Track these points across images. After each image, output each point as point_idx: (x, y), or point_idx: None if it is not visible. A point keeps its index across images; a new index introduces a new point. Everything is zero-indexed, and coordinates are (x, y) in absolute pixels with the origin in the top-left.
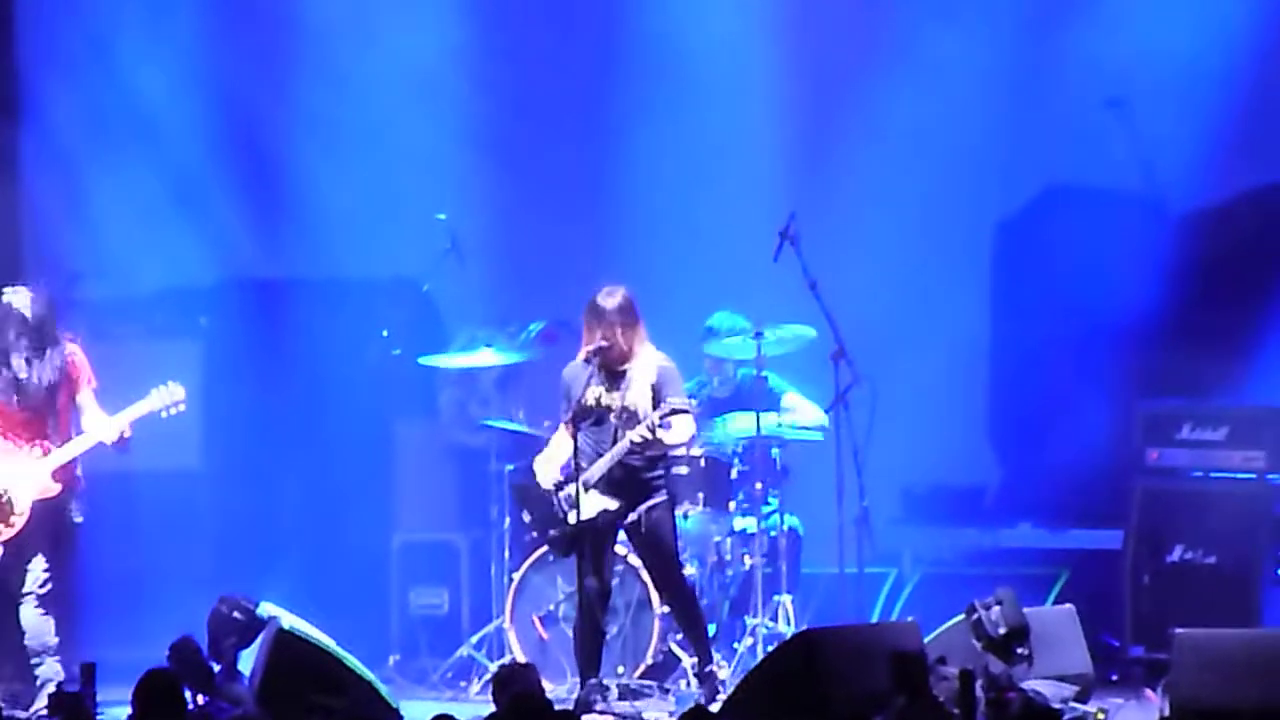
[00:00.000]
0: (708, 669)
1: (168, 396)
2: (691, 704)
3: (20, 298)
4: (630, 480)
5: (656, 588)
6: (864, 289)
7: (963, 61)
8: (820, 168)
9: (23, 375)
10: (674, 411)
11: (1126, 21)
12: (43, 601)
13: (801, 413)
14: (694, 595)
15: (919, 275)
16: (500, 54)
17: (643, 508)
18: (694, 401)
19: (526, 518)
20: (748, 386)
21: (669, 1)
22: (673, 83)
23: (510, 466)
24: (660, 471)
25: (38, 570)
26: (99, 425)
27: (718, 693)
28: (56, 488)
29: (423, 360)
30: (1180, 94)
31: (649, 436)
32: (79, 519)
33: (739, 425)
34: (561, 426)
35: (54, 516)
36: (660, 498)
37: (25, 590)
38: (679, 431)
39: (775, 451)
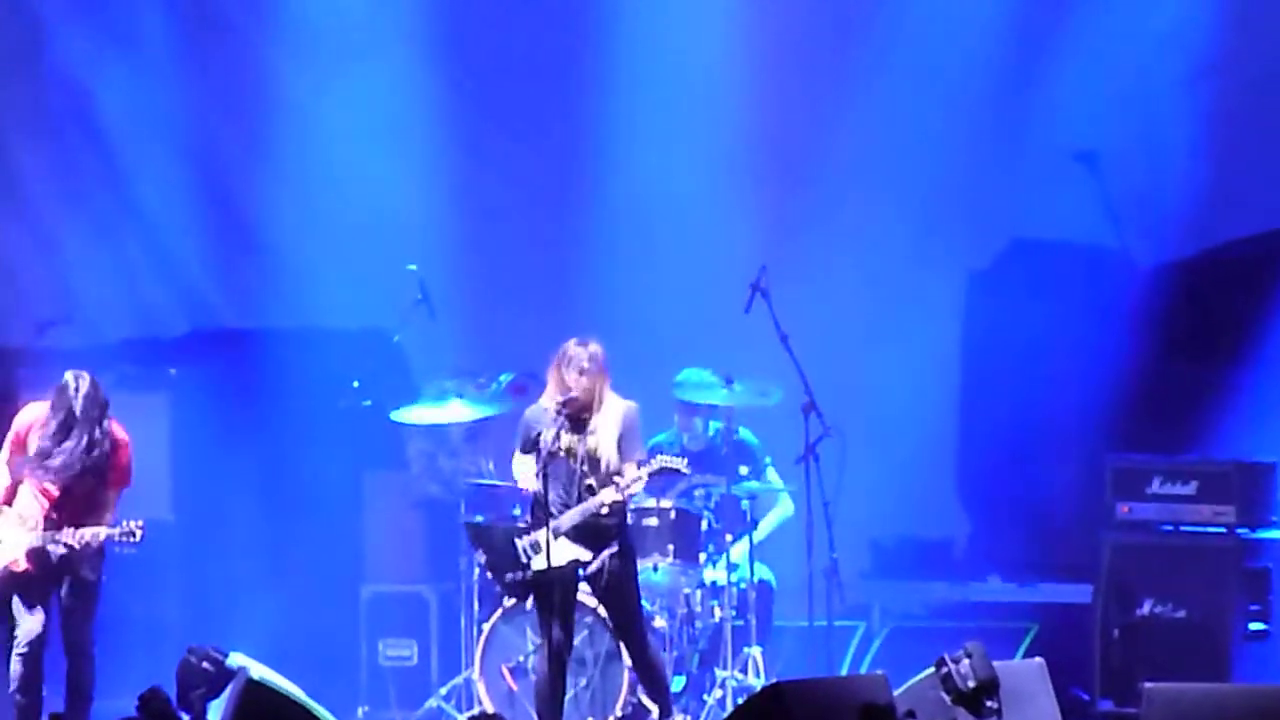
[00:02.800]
0: (665, 712)
1: (128, 529)
2: None
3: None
4: (592, 528)
5: (618, 636)
6: (834, 341)
7: (933, 113)
8: (790, 220)
9: (57, 455)
10: (664, 470)
11: (1095, 76)
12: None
13: (782, 510)
14: (655, 645)
15: (888, 328)
16: (470, 105)
17: (604, 555)
18: (683, 460)
19: (481, 559)
20: (720, 442)
21: (636, 55)
22: (642, 135)
23: (480, 518)
24: (620, 520)
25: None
26: (62, 534)
27: None
28: (23, 565)
29: (394, 416)
30: (1149, 149)
31: (622, 496)
32: (93, 577)
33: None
34: (516, 454)
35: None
36: (619, 546)
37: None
38: (638, 483)
39: (745, 504)
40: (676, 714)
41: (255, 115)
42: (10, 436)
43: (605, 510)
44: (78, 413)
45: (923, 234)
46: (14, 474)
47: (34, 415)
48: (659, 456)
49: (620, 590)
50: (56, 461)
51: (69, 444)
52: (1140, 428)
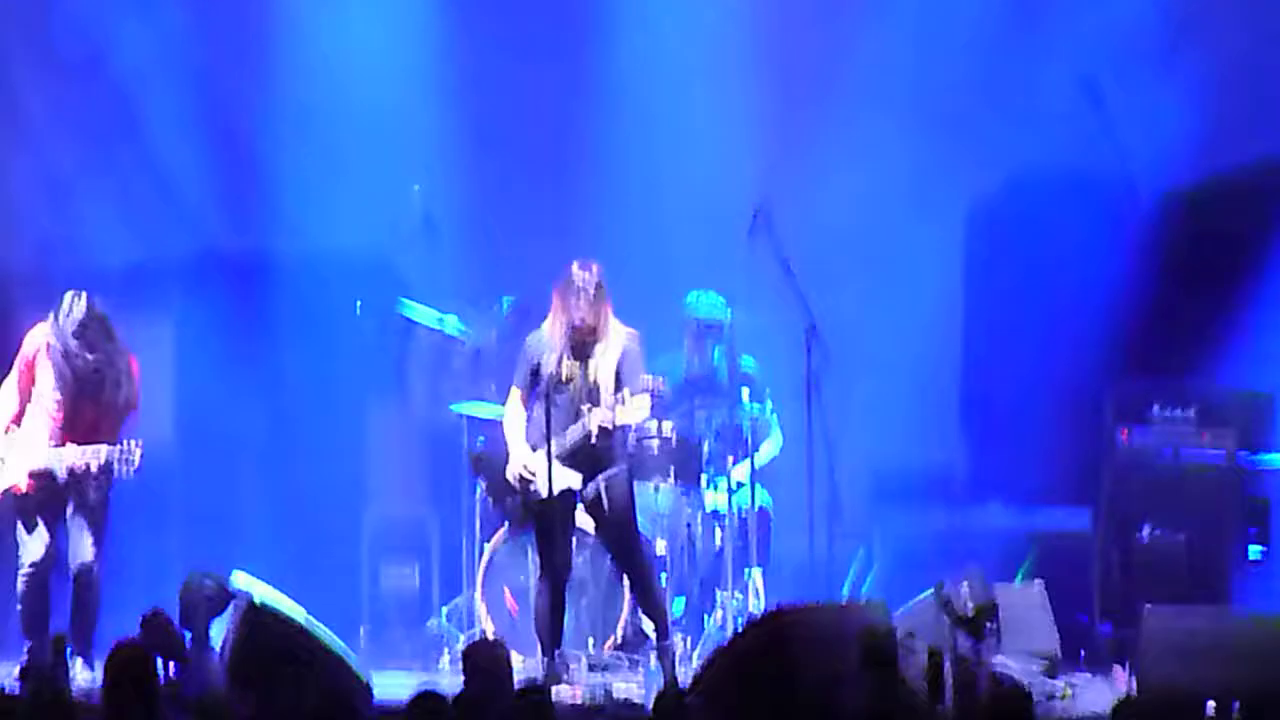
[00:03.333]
0: (665, 643)
1: (127, 451)
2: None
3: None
4: (589, 454)
5: (614, 559)
6: (836, 269)
7: (935, 42)
8: (793, 147)
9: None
10: (646, 390)
11: (1098, 3)
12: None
13: (774, 443)
14: (652, 568)
15: (892, 255)
16: (474, 27)
17: (600, 479)
18: (661, 379)
19: (483, 485)
20: (723, 367)
21: None
22: (647, 59)
23: (482, 438)
24: (614, 444)
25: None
26: (60, 453)
27: (675, 667)
28: (26, 484)
29: (402, 309)
30: (1153, 76)
31: (611, 422)
32: (98, 497)
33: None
34: (513, 391)
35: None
36: (617, 469)
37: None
38: (637, 411)
39: (746, 428)
40: (676, 635)
41: (257, 38)
42: (18, 360)
43: (596, 436)
44: (77, 334)
45: (925, 162)
46: (22, 395)
47: (41, 337)
48: (643, 377)
49: (617, 516)
50: (68, 382)
51: (76, 366)
52: (1142, 355)
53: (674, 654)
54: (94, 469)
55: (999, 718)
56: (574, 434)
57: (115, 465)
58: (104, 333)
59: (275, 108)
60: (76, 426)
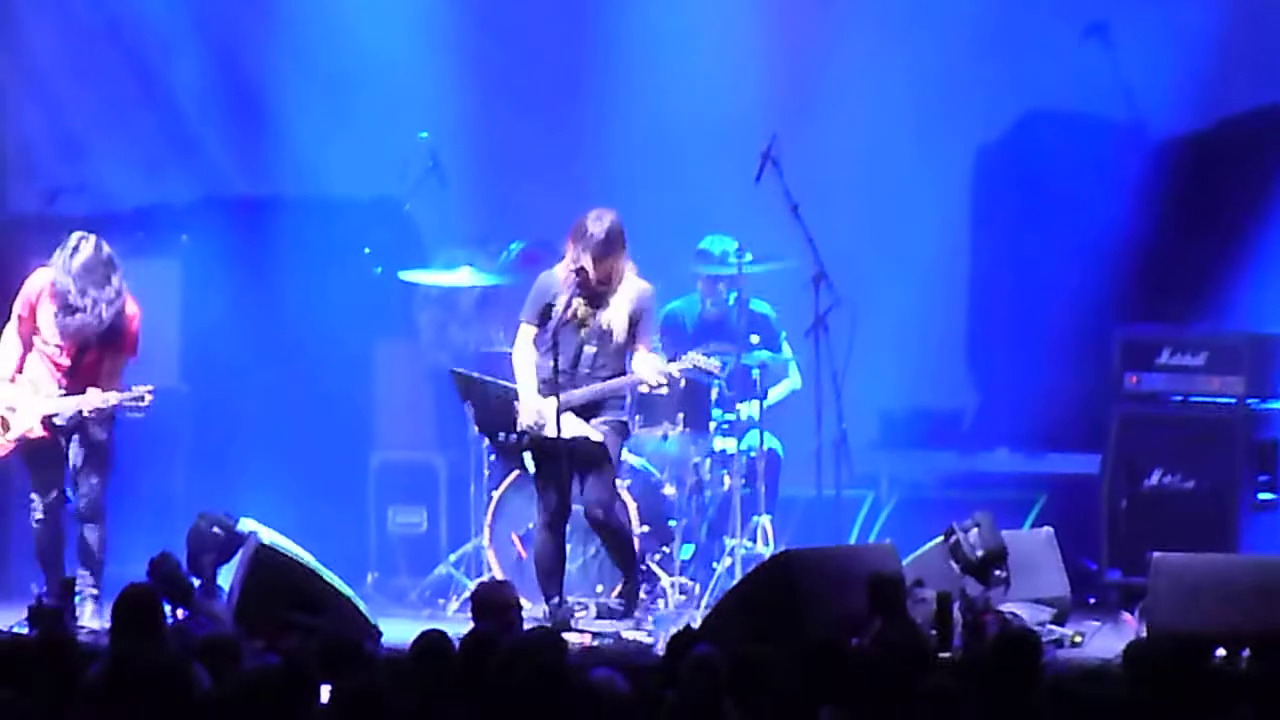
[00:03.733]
0: (629, 586)
1: (137, 395)
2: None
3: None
4: (596, 402)
5: (586, 502)
6: (845, 213)
7: None
8: (802, 92)
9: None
10: (696, 369)
11: None
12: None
13: (790, 382)
14: (623, 514)
15: (900, 200)
16: None
17: (594, 422)
18: (716, 362)
19: (470, 412)
20: (734, 311)
21: None
22: (658, 2)
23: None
24: (619, 399)
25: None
26: (73, 400)
27: (634, 610)
28: (40, 431)
29: (403, 275)
30: (1162, 19)
31: (660, 383)
32: (103, 436)
33: (751, 409)
34: (523, 327)
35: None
36: (611, 415)
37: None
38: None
39: (755, 373)
40: (682, 580)
41: None
42: (20, 303)
43: (653, 387)
44: (81, 276)
45: (934, 106)
46: (25, 341)
47: (44, 280)
48: (691, 355)
49: (598, 455)
50: (71, 325)
51: (79, 309)
52: (1150, 299)
53: (636, 599)
54: (106, 412)
55: (1006, 662)
56: (606, 389)
57: (127, 410)
58: (107, 277)
59: (283, 52)
60: (77, 371)
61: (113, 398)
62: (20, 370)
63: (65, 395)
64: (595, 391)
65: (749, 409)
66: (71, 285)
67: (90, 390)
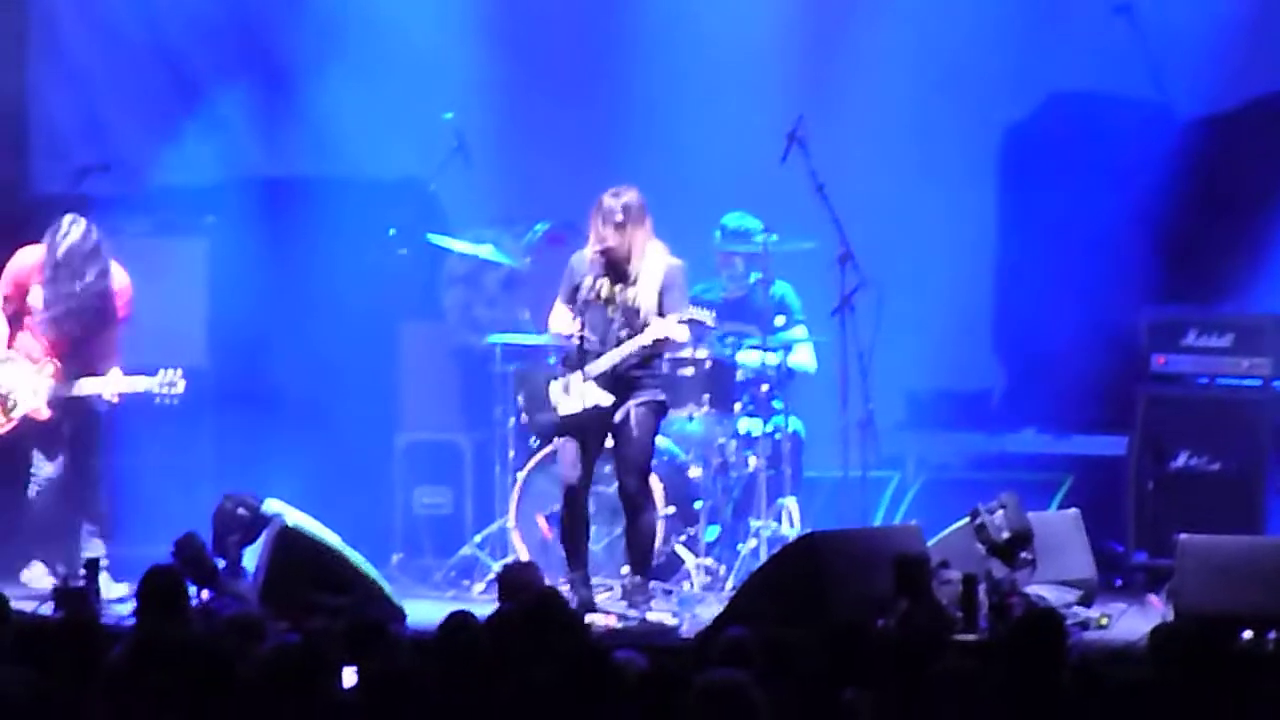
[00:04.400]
0: (637, 578)
1: (168, 380)
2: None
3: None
4: (623, 378)
5: (620, 482)
6: (871, 193)
7: None
8: (828, 71)
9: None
10: (690, 321)
11: None
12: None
13: (799, 356)
14: (653, 503)
15: (926, 179)
16: None
17: (631, 403)
18: (710, 313)
19: (520, 402)
20: (757, 292)
21: None
22: None
23: (513, 367)
24: (651, 371)
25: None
26: (101, 383)
27: (647, 603)
28: (46, 413)
29: (430, 238)
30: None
31: (660, 340)
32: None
33: (749, 357)
34: (558, 304)
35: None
36: (648, 395)
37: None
38: (682, 331)
39: (780, 354)
40: (707, 561)
41: None
42: (7, 282)
43: (651, 345)
44: (65, 259)
45: (960, 86)
46: (11, 318)
47: (32, 259)
48: (688, 308)
49: (637, 437)
50: (58, 311)
51: (65, 292)
52: (1177, 280)
53: (646, 592)
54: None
55: (1030, 642)
56: (623, 351)
57: (157, 395)
58: (86, 268)
59: (309, 32)
60: (67, 350)
61: (141, 384)
62: (10, 346)
63: (61, 372)
64: (612, 358)
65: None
66: (59, 269)
67: (112, 373)
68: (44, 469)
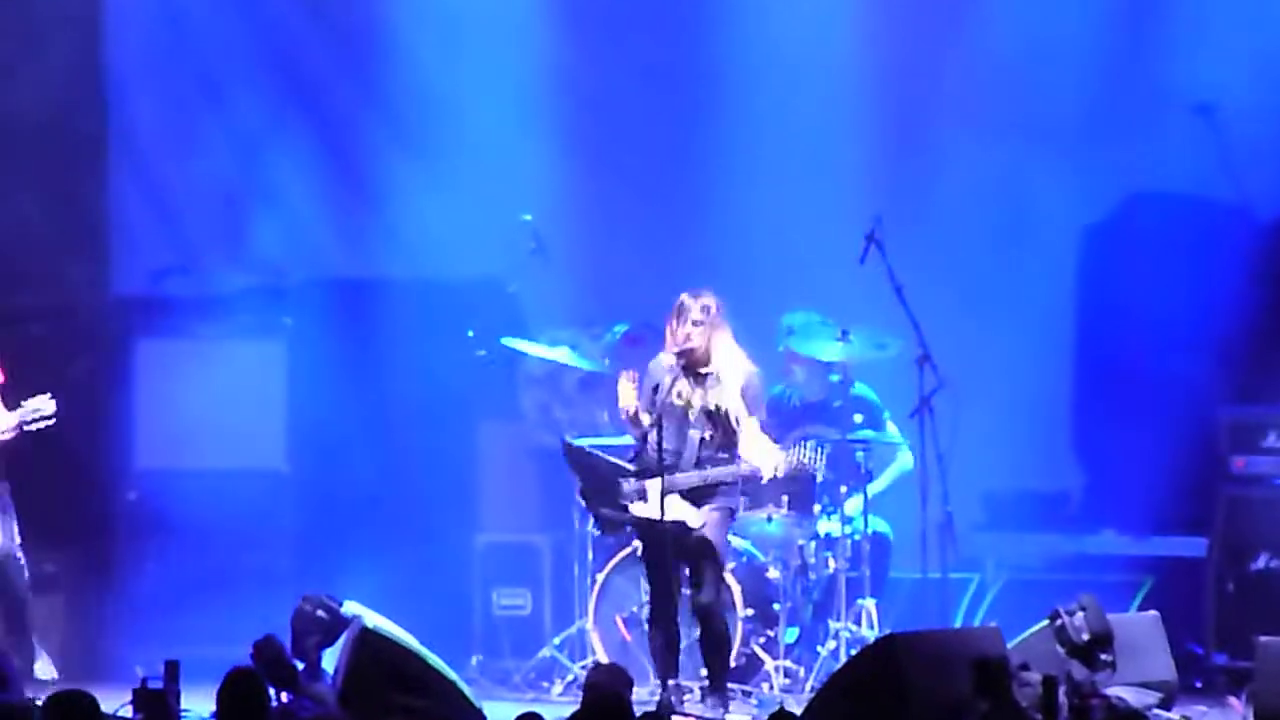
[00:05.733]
0: (717, 685)
1: (33, 407)
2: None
3: None
4: (702, 487)
5: (693, 592)
6: (948, 293)
7: (1050, 64)
8: (906, 171)
9: None
10: (800, 467)
11: (1216, 25)
12: None
13: (899, 464)
14: (727, 616)
15: (1004, 280)
16: (587, 55)
17: (706, 510)
18: (821, 464)
19: (578, 483)
20: (836, 394)
21: (755, 3)
22: (760, 84)
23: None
24: (728, 483)
25: None
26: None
27: (726, 705)
28: None
29: (505, 341)
30: (1269, 100)
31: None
32: None
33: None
34: (641, 415)
35: None
36: (721, 503)
37: None
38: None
39: (859, 455)
40: (785, 662)
41: (371, 65)
42: None
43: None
44: None
45: (1039, 186)
46: None
47: None
48: (803, 450)
49: (708, 544)
50: None
51: None
52: (1256, 381)
53: (726, 696)
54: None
55: None
56: (713, 476)
57: (29, 424)
58: None
59: (386, 132)
60: None
61: (10, 419)
62: None
63: None
64: (702, 477)
65: (855, 504)
66: None
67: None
68: None
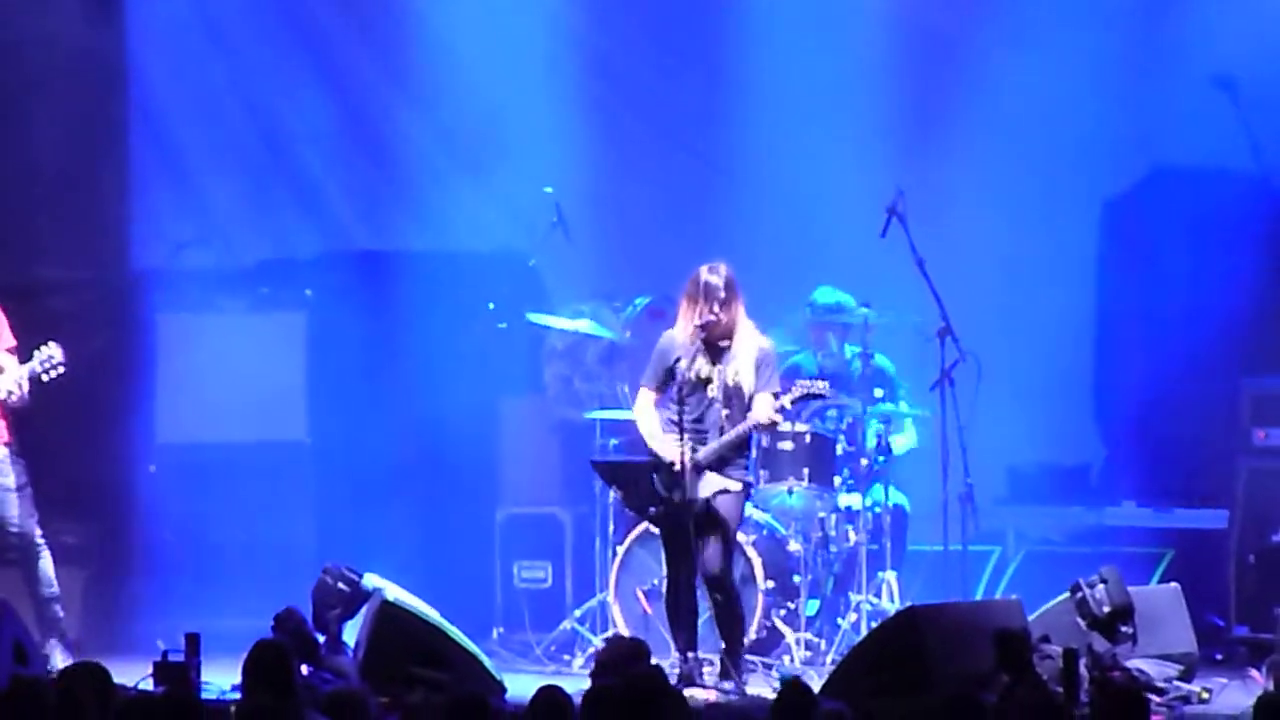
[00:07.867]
0: (735, 659)
1: (44, 355)
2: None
3: None
4: (720, 458)
5: (706, 566)
6: (970, 267)
7: (1072, 40)
8: (928, 145)
9: None
10: (807, 395)
11: (1235, 0)
12: None
13: (901, 440)
14: (737, 587)
15: (1026, 253)
16: (608, 29)
17: (718, 486)
18: (824, 383)
19: (616, 495)
20: (856, 365)
21: None
22: (782, 58)
23: (615, 441)
24: (742, 452)
25: None
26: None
27: (743, 677)
28: None
29: (531, 317)
30: None
31: (777, 420)
32: None
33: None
34: (642, 391)
35: None
36: (737, 477)
37: None
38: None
39: (879, 427)
40: (807, 635)
41: (392, 38)
42: None
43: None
44: None
45: (1060, 160)
46: None
47: None
48: (799, 382)
49: (720, 525)
50: None
51: None
52: (1278, 354)
53: (744, 670)
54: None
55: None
56: (728, 440)
57: (42, 374)
58: None
59: (408, 106)
60: None
61: (23, 370)
62: None
63: None
64: (721, 445)
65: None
66: None
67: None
68: None
